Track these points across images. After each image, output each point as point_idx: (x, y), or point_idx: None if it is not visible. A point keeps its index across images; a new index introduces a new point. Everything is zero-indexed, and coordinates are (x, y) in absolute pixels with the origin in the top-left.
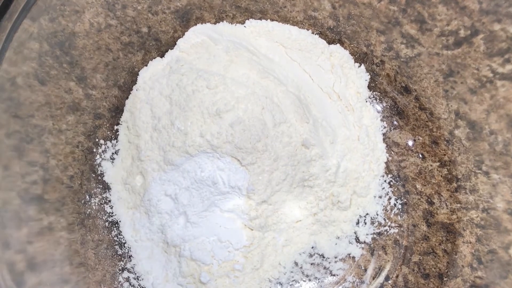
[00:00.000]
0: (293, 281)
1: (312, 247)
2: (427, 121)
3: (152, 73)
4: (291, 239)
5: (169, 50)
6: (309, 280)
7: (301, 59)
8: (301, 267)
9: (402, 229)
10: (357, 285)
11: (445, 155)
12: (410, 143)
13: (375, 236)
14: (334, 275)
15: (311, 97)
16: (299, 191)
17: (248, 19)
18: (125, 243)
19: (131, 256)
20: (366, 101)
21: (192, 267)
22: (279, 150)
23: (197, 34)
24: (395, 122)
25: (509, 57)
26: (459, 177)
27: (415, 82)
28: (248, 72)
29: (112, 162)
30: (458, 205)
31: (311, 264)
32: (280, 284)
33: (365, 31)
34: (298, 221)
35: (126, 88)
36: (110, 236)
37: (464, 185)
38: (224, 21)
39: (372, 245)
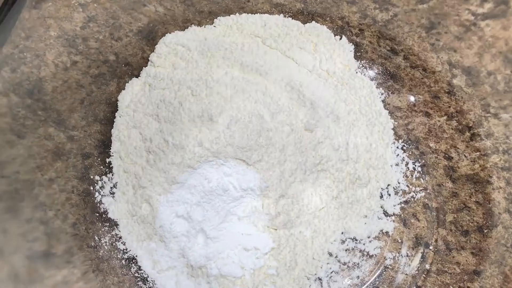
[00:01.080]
0: (331, 272)
1: (342, 233)
2: (422, 78)
3: (132, 95)
4: (318, 230)
5: (143, 68)
6: (348, 267)
7: (280, 45)
8: (336, 256)
9: (428, 191)
10: (398, 260)
11: (449, 107)
12: (412, 104)
13: (402, 205)
14: (372, 256)
15: (301, 81)
16: (314, 177)
17: (216, 18)
18: (148, 277)
19: None
20: (357, 72)
21: (224, 285)
22: (283, 140)
23: (168, 44)
24: (391, 87)
25: None
26: (470, 125)
27: (399, 42)
28: (230, 70)
29: (113, 196)
30: (478, 153)
31: (346, 250)
32: (319, 279)
33: (335, 5)
34: (321, 209)
35: (108, 120)
36: (130, 273)
37: (477, 132)
38: (192, 26)
39: (402, 215)
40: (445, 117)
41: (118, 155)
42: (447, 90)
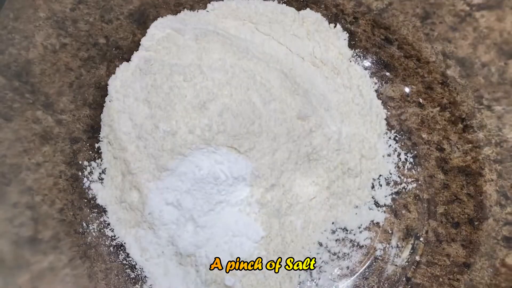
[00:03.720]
0: (321, 262)
1: (333, 223)
2: (416, 68)
3: (122, 80)
4: (309, 220)
5: (134, 53)
6: (338, 257)
7: (274, 32)
8: (326, 246)
9: (419, 182)
10: (388, 250)
11: (443, 98)
12: (405, 94)
13: (394, 196)
14: (362, 246)
15: (294, 69)
16: (306, 166)
17: (209, 2)
18: (136, 264)
19: (145, 276)
20: (350, 61)
21: (213, 273)
22: (275, 128)
23: (160, 29)
24: (385, 76)
25: None
26: (463, 116)
27: (394, 32)
28: (223, 56)
29: (102, 182)
30: (470, 145)
31: (336, 240)
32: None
33: None
34: (313, 199)
35: (97, 104)
36: (118, 260)
37: (470, 123)
38: (184, 10)
39: (393, 206)
40: (438, 108)
41: (107, 141)
42: (440, 81)
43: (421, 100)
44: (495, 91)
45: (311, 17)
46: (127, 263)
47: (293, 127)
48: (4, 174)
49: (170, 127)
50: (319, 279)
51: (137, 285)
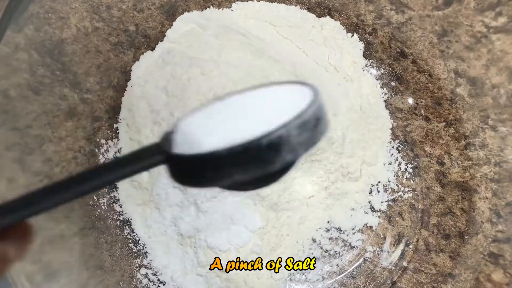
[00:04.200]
0: (313, 258)
1: (328, 222)
2: (427, 83)
3: (145, 67)
4: (306, 216)
5: (159, 43)
6: (329, 255)
7: (293, 35)
8: (319, 243)
9: (416, 192)
10: (378, 254)
11: (449, 114)
12: (413, 107)
13: (390, 203)
14: (353, 247)
15: (307, 73)
16: (307, 166)
17: (234, 2)
18: (139, 240)
19: (146, 252)
20: (364, 70)
21: (209, 256)
22: None
23: (185, 22)
24: (395, 88)
25: (500, 10)
26: (467, 134)
27: (410, 46)
28: (241, 54)
29: None
30: (470, 162)
31: (329, 238)
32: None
33: (353, 2)
34: (311, 197)
35: (121, 87)
36: (123, 234)
37: (473, 141)
38: (211, 7)
39: (388, 213)
40: (443, 124)
41: (125, 122)
42: (449, 98)
43: (428, 114)
44: (502, 113)
45: (330, 24)
46: (131, 238)
47: None
48: (28, 144)
49: (183, 116)
50: (309, 273)
51: (137, 259)
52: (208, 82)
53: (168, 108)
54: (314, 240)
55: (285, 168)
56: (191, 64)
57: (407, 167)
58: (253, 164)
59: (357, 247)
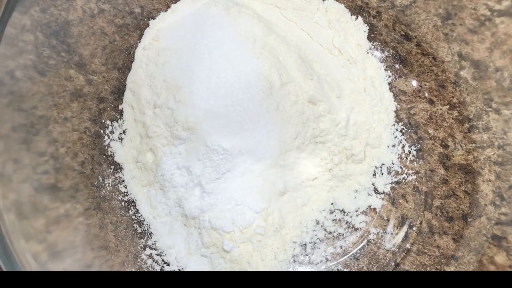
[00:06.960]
0: (316, 239)
1: (332, 204)
2: (431, 66)
3: (148, 48)
4: (309, 198)
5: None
6: (333, 237)
7: (297, 18)
8: (323, 225)
9: (419, 175)
10: (381, 236)
11: (453, 97)
12: (417, 89)
13: (393, 185)
14: (357, 229)
15: (312, 55)
16: (311, 148)
17: None
18: (144, 220)
19: (151, 233)
20: (368, 53)
21: (213, 237)
22: (287, 109)
23: (189, 3)
24: (399, 71)
25: None
26: (471, 117)
27: (414, 29)
28: (253, 29)
29: (121, 142)
30: (473, 145)
31: (333, 220)
32: (304, 244)
33: None
34: (315, 179)
35: (126, 69)
36: (128, 215)
37: (476, 124)
38: None
39: (391, 195)
40: (447, 106)
41: (130, 104)
42: (453, 81)
43: (432, 97)
44: (505, 96)
45: (334, 7)
46: (135, 218)
47: (304, 110)
48: (34, 125)
49: (183, 99)
50: (313, 254)
51: (142, 240)
52: (209, 63)
53: (169, 92)
54: (317, 222)
55: None
56: (195, 45)
57: (411, 149)
58: None
59: (360, 229)
